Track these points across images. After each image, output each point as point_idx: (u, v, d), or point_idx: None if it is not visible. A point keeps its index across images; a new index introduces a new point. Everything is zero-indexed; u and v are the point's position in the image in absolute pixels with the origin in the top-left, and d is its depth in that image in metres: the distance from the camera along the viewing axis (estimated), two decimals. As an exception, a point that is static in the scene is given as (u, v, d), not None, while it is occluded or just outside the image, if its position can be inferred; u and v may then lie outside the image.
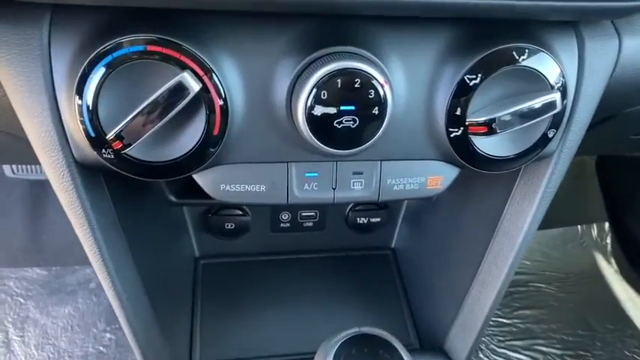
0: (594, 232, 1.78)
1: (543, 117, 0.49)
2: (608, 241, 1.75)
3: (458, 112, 0.48)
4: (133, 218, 0.60)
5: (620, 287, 1.63)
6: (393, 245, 0.95)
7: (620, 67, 0.55)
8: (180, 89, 0.41)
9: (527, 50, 0.47)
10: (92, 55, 0.41)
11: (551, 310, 1.50)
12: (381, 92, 0.44)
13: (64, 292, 1.48)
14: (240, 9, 0.41)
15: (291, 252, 0.90)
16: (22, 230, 1.55)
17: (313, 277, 0.89)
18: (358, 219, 0.90)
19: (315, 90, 0.43)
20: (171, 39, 0.42)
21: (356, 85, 0.43)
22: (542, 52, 0.48)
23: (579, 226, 1.78)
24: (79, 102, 0.42)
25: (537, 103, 0.48)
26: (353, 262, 0.91)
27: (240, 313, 0.83)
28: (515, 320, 1.46)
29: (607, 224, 1.75)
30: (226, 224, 0.84)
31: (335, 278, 0.89)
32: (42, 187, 1.56)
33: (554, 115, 0.50)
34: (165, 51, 0.41)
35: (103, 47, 0.41)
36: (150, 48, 0.41)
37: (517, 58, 0.47)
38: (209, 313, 0.81)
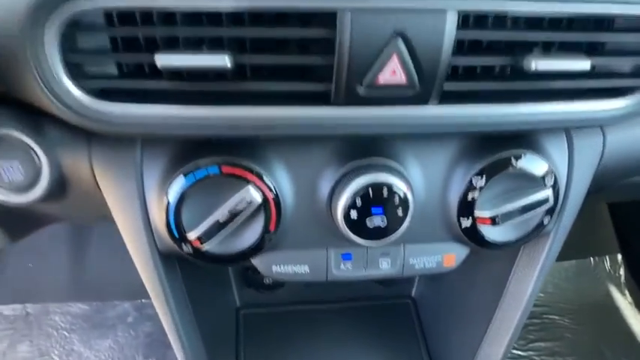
0: (607, 264, 1.81)
1: (538, 210, 0.59)
2: (622, 272, 1.78)
3: (467, 208, 0.59)
4: (197, 287, 0.71)
5: (634, 319, 1.66)
6: (413, 294, 1.05)
7: (605, 158, 0.65)
8: (246, 201, 0.53)
9: (523, 156, 0.58)
10: (177, 176, 0.53)
11: (566, 342, 1.54)
12: (404, 197, 0.55)
13: (104, 326, 1.60)
14: (295, 136, 0.53)
15: (319, 302, 1.01)
16: (67, 268, 1.67)
17: (338, 325, 0.99)
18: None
19: (350, 199, 0.54)
20: (239, 161, 0.53)
21: (384, 194, 0.54)
22: (536, 157, 0.58)
23: (592, 258, 1.83)
24: (166, 209, 0.54)
25: (533, 199, 0.58)
26: (376, 311, 1.01)
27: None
28: (531, 352, 1.51)
29: (619, 256, 1.79)
30: (265, 280, 0.96)
31: (359, 326, 0.99)
32: (84, 226, 1.69)
33: (550, 207, 0.60)
34: (234, 171, 0.53)
35: (185, 169, 0.53)
36: (224, 169, 0.53)
37: (515, 163, 0.58)
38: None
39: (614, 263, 1.82)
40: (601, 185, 0.71)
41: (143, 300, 1.61)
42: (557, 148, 0.62)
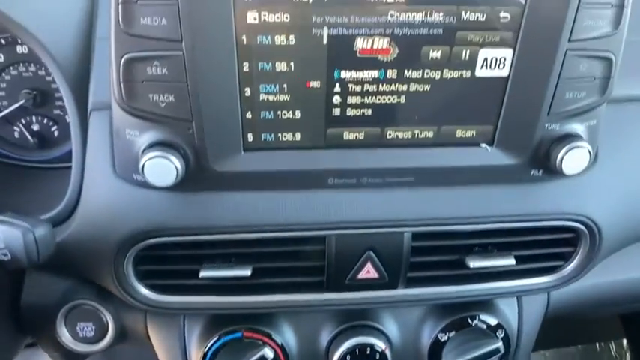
0: (613, 349, 1.87)
1: (493, 357, 0.75)
2: (627, 357, 1.85)
3: (435, 356, 0.75)
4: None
5: (641, 404, 1.71)
6: None
7: (550, 308, 0.81)
8: (262, 357, 0.71)
9: (478, 316, 0.75)
10: (211, 339, 0.71)
11: None
12: (383, 354, 0.72)
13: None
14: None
15: None
16: None
17: None
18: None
19: (342, 356, 0.71)
20: (257, 328, 0.71)
21: (367, 352, 0.71)
22: (488, 316, 0.75)
23: (597, 344, 1.89)
24: (202, 364, 0.72)
25: (487, 349, 0.74)
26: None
27: None
28: None
29: (625, 341, 1.87)
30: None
31: None
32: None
33: (502, 353, 0.76)
34: (253, 335, 0.71)
35: (217, 333, 0.71)
36: (245, 334, 0.71)
37: (471, 322, 0.74)
38: None
39: (620, 348, 1.88)
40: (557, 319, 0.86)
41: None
42: (508, 307, 0.78)
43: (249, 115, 0.58)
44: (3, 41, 0.82)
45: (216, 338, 0.71)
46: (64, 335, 0.76)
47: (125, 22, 0.50)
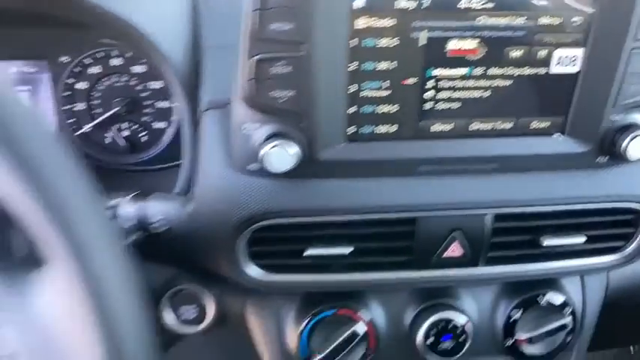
0: None
1: (562, 332, 0.81)
2: None
3: (509, 332, 0.82)
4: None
5: (676, 408, 1.72)
6: None
7: (610, 288, 0.88)
8: (354, 334, 0.78)
9: (547, 294, 0.81)
10: (308, 317, 0.78)
11: None
12: (464, 328, 0.79)
13: None
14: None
15: None
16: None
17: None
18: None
19: (426, 331, 0.78)
20: (349, 306, 0.79)
21: (449, 327, 0.78)
22: (556, 294, 0.82)
23: (632, 347, 1.92)
24: (298, 339, 0.79)
25: (556, 324, 0.81)
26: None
27: None
28: None
29: None
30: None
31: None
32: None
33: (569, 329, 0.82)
34: (347, 312, 0.78)
35: (313, 311, 0.79)
36: (339, 312, 0.78)
37: (541, 300, 0.81)
38: None
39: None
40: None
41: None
42: (573, 285, 0.85)
43: (352, 110, 0.66)
44: (99, 55, 0.93)
45: (310, 317, 0.79)
46: (168, 318, 0.84)
47: (259, 28, 0.59)
